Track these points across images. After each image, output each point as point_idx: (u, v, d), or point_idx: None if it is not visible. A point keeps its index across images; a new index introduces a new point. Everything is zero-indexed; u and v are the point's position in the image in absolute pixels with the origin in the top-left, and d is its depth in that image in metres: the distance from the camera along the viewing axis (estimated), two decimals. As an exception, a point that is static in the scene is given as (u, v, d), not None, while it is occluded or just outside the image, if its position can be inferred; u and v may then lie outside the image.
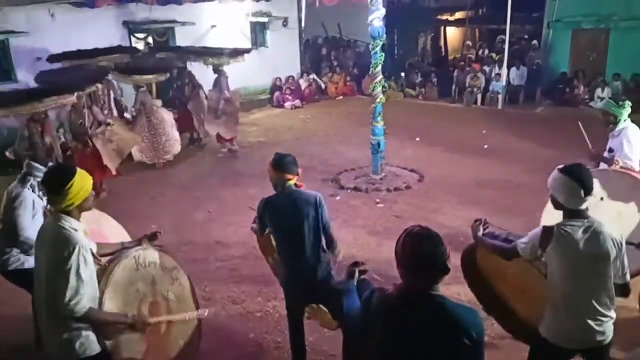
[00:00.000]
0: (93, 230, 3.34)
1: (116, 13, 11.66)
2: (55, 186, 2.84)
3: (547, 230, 2.81)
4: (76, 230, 2.87)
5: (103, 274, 3.08)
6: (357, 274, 2.86)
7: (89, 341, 2.89)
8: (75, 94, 7.21)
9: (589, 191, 2.76)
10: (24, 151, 6.67)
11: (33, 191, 4.09)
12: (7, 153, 7.29)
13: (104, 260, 3.21)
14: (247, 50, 10.40)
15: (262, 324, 4.74)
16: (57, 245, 2.80)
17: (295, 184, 3.61)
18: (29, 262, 4.01)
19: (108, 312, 2.99)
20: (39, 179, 4.03)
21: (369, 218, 7.06)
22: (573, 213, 2.82)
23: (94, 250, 2.99)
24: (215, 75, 10.12)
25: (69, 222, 2.86)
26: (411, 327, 2.15)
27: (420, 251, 2.14)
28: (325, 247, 3.64)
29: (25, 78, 9.79)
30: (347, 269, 2.90)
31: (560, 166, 2.88)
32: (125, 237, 3.89)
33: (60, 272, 2.75)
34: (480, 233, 3.27)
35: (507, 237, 3.15)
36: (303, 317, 3.81)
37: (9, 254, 4.02)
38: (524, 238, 2.93)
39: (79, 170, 2.92)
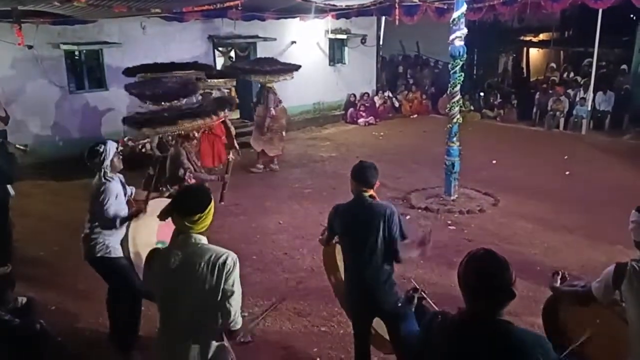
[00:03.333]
0: None
1: (202, 27, 12.20)
2: (198, 208, 2.69)
3: (620, 267, 2.66)
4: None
5: None
6: (415, 300, 2.81)
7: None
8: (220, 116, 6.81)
9: None
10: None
11: (112, 180, 4.23)
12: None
13: None
14: (297, 67, 10.22)
15: (326, 339, 4.72)
16: (215, 264, 2.58)
17: (371, 196, 3.56)
18: (114, 251, 4.31)
19: None
20: (108, 161, 4.17)
21: (439, 240, 6.84)
22: None
23: None
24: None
25: (204, 239, 2.72)
26: (474, 353, 2.04)
27: (483, 274, 2.03)
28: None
29: (116, 87, 10.40)
30: (406, 294, 2.84)
31: None
32: None
33: (227, 289, 2.58)
34: (557, 284, 3.13)
35: (584, 285, 2.98)
36: (369, 337, 3.76)
37: (95, 241, 4.25)
38: (598, 278, 2.77)
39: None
